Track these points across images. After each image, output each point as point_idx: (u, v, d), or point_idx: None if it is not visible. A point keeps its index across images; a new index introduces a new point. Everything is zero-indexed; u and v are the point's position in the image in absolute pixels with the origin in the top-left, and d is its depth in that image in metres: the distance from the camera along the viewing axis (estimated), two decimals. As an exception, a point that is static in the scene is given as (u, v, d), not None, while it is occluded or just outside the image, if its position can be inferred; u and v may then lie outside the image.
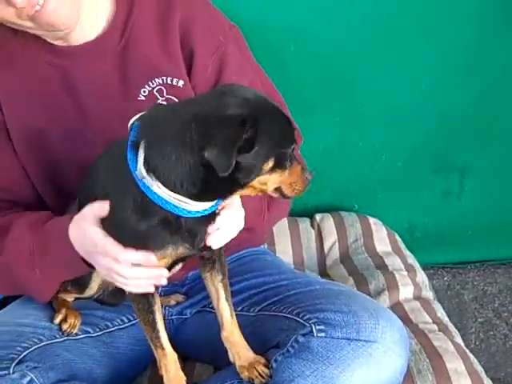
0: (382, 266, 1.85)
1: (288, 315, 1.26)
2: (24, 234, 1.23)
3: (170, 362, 1.20)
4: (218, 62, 1.35)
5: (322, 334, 1.17)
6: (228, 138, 0.95)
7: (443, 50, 2.00)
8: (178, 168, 1.00)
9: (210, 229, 1.11)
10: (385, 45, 1.98)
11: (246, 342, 1.25)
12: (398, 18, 1.94)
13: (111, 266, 1.11)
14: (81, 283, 1.31)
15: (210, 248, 1.15)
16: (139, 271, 1.11)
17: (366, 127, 2.13)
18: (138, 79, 1.32)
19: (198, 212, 1.07)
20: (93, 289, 1.32)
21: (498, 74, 2.05)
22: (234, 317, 1.26)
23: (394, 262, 1.86)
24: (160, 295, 1.34)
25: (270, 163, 1.01)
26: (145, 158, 1.03)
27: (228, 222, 1.14)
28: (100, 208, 1.10)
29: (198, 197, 1.04)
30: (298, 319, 1.22)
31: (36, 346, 1.25)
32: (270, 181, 1.05)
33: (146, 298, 1.17)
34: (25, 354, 1.22)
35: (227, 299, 1.25)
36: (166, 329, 1.21)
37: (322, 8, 1.90)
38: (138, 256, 1.08)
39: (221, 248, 1.22)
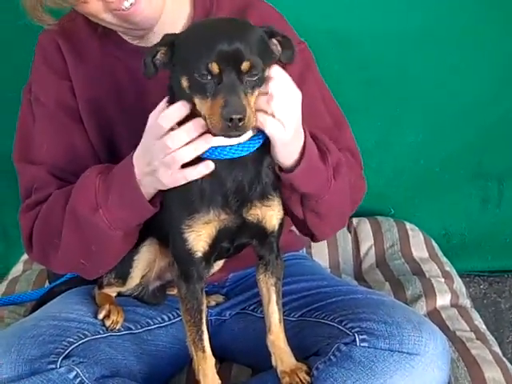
0: (418, 272, 1.85)
1: (330, 322, 1.26)
2: (92, 178, 1.25)
3: (208, 366, 1.22)
4: None
5: (365, 344, 1.17)
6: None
7: (483, 58, 2.00)
8: None
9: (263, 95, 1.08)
10: (426, 53, 1.98)
11: (289, 348, 1.26)
12: (441, 27, 1.95)
13: (163, 141, 1.11)
14: (123, 272, 1.34)
15: (257, 225, 1.17)
16: (185, 129, 1.10)
17: (405, 132, 2.12)
18: None
19: (231, 150, 1.10)
20: (135, 279, 1.35)
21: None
22: (282, 322, 1.26)
23: (430, 269, 1.86)
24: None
25: (184, 82, 1.08)
26: None
27: (282, 87, 1.10)
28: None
29: None
30: (341, 327, 1.23)
31: (81, 341, 1.27)
32: (196, 104, 1.07)
33: (196, 297, 1.19)
34: (71, 348, 1.24)
35: (278, 303, 1.26)
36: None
37: (365, 15, 1.92)
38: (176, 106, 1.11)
39: (278, 246, 1.24)
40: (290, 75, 1.14)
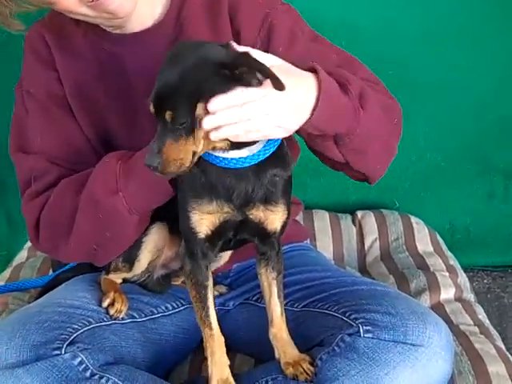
0: (423, 266, 1.85)
1: (333, 313, 1.26)
2: (112, 164, 1.25)
3: (216, 344, 1.22)
4: (265, 34, 1.33)
5: (369, 335, 1.17)
6: None
7: (489, 52, 1.99)
8: None
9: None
10: (431, 46, 1.98)
11: (291, 340, 1.26)
12: (451, 22, 1.95)
13: None
14: (131, 256, 1.35)
15: (259, 224, 1.17)
16: None
17: (412, 126, 2.10)
18: None
19: (234, 160, 1.11)
20: (142, 263, 1.35)
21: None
22: (284, 314, 1.27)
23: (435, 263, 1.86)
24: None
25: None
26: None
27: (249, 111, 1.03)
28: None
29: None
30: (345, 318, 1.23)
31: (85, 328, 1.27)
32: None
33: (200, 272, 1.21)
34: (75, 335, 1.24)
35: (279, 296, 1.26)
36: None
37: (375, 8, 1.91)
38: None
39: (279, 243, 1.24)
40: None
